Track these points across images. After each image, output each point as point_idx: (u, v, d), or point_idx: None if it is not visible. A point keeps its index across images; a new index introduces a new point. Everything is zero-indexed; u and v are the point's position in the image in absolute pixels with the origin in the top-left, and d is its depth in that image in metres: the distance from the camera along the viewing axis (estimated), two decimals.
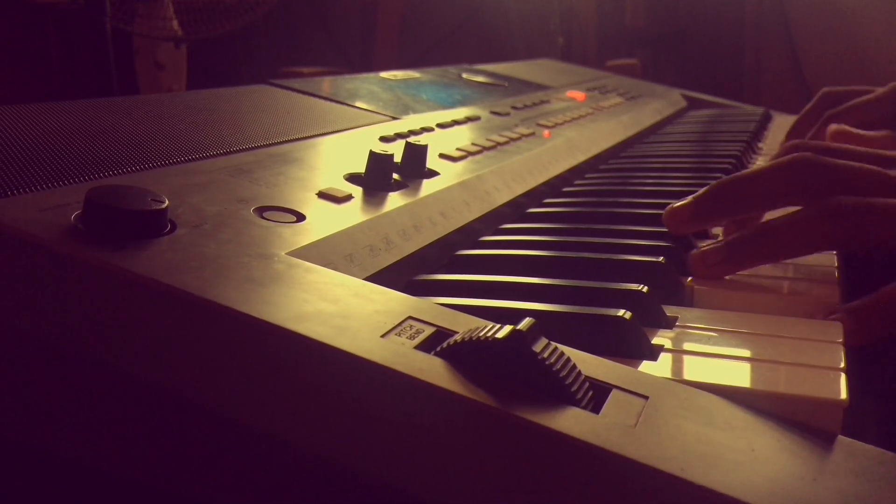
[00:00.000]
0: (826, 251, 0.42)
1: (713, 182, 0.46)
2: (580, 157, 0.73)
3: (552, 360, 0.27)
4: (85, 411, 0.29)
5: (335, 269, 0.34)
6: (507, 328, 0.27)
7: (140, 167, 0.41)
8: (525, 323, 0.27)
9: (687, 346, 0.34)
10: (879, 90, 0.75)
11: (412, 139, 0.54)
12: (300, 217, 0.39)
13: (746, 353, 0.33)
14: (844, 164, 0.43)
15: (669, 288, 0.42)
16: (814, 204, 0.41)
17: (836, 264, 0.46)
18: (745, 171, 0.45)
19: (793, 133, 0.83)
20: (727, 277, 0.43)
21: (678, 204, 0.46)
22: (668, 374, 0.31)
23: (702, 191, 0.46)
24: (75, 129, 0.45)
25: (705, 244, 0.44)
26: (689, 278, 0.43)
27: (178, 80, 1.88)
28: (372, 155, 0.47)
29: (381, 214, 0.43)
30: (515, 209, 0.58)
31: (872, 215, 0.40)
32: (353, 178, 0.47)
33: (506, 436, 0.25)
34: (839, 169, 0.43)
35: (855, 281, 0.44)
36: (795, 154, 0.44)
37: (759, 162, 0.81)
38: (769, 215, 0.45)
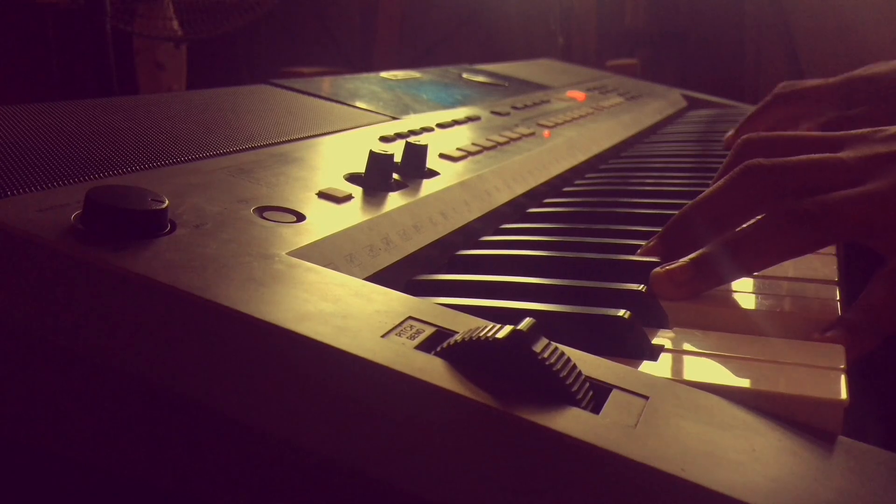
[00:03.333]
0: (793, 258, 0.42)
1: (673, 216, 0.44)
2: (580, 157, 0.73)
3: (552, 360, 0.27)
4: (85, 411, 0.29)
5: (335, 269, 0.34)
6: (508, 328, 0.27)
7: (140, 167, 0.41)
8: (525, 323, 0.27)
9: (687, 345, 0.34)
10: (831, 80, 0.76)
11: (412, 139, 0.54)
12: (300, 217, 0.39)
13: (747, 352, 0.33)
14: (796, 161, 0.43)
15: None
16: (773, 212, 0.41)
17: (836, 266, 0.46)
18: (701, 197, 0.44)
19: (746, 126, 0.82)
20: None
21: (646, 245, 0.45)
22: (669, 374, 0.31)
23: (665, 227, 0.44)
24: (75, 129, 0.45)
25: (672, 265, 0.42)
26: None
27: (178, 80, 1.88)
28: (372, 155, 0.47)
29: (381, 214, 0.43)
30: (516, 209, 0.58)
31: (831, 215, 0.40)
32: (353, 178, 0.47)
33: (506, 436, 0.25)
34: (792, 168, 0.42)
35: (856, 283, 0.44)
36: (745, 164, 0.42)
37: None
38: None
